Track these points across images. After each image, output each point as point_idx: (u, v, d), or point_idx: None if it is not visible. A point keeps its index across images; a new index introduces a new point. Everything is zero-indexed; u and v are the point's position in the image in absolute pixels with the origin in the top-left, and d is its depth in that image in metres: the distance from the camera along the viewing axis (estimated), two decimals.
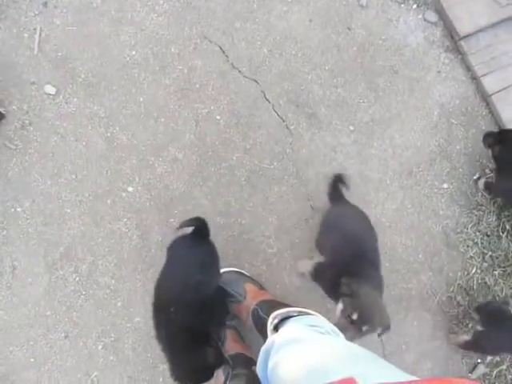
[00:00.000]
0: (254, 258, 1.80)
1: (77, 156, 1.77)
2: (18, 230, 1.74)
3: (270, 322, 1.19)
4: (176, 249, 1.49)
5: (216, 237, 1.78)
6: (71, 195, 1.76)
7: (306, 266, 1.67)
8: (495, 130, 1.90)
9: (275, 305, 1.46)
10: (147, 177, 1.79)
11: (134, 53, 1.80)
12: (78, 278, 1.75)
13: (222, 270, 1.71)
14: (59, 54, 1.77)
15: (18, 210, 1.75)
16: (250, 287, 1.67)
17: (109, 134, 1.78)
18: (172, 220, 1.78)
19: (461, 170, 1.93)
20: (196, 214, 1.77)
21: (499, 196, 1.88)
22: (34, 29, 1.76)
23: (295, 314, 1.21)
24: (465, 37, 1.91)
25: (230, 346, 1.64)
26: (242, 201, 1.82)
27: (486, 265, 1.91)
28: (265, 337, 1.18)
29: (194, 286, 1.40)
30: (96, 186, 1.77)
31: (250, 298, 1.64)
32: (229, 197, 1.81)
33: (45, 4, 1.73)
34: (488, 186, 1.88)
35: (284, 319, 1.21)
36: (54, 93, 1.77)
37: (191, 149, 1.81)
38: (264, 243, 1.81)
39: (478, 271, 1.90)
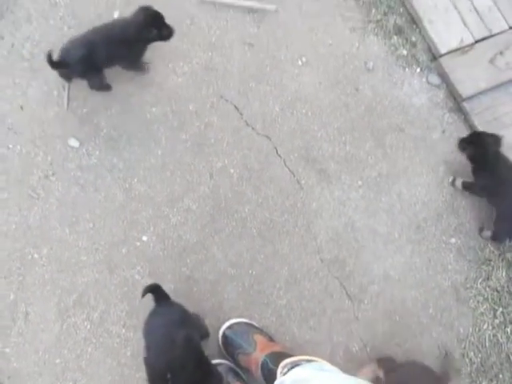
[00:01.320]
0: (263, 309, 1.81)
1: (95, 205, 1.84)
2: (34, 277, 1.78)
3: (280, 371, 1.20)
4: (148, 322, 1.56)
5: (226, 287, 1.82)
6: (88, 243, 1.82)
7: (369, 374, 1.70)
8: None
9: (284, 356, 1.46)
10: (162, 227, 1.85)
11: (154, 109, 1.92)
12: (89, 326, 1.76)
13: (231, 321, 1.74)
14: (85, 109, 1.90)
15: (36, 256, 1.80)
16: (259, 339, 1.67)
17: (127, 185, 1.86)
18: (184, 269, 1.81)
19: (468, 224, 1.96)
20: (208, 264, 1.83)
21: (478, 193, 1.94)
22: (63, 86, 1.89)
23: (303, 363, 1.22)
24: (467, 98, 2.01)
25: None
26: (254, 252, 1.86)
27: (497, 321, 1.90)
28: None
29: (178, 343, 1.43)
30: (112, 234, 1.83)
31: (260, 350, 1.63)
32: (240, 248, 1.86)
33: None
34: (466, 185, 1.95)
35: (293, 367, 1.22)
36: (77, 146, 1.87)
37: (205, 200, 1.88)
38: (274, 295, 1.83)
39: (490, 327, 1.89)
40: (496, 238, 1.92)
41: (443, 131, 2.03)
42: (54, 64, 1.69)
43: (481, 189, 1.91)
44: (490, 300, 1.90)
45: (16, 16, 1.93)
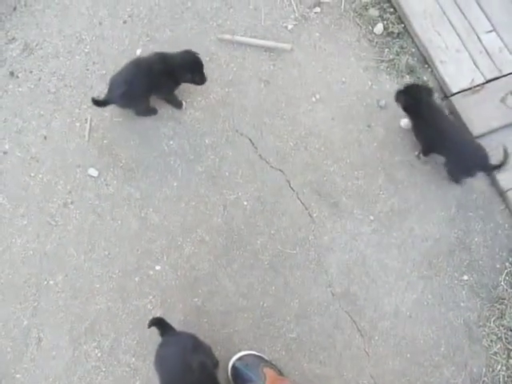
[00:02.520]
0: (273, 342, 1.81)
1: (111, 234, 1.89)
2: (49, 303, 1.82)
3: None
4: (160, 353, 1.56)
5: (237, 319, 1.82)
6: (102, 271, 1.85)
7: None
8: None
9: None
10: (175, 256, 1.88)
11: (171, 142, 1.99)
12: (99, 354, 1.78)
13: (241, 353, 1.73)
14: (105, 141, 1.97)
15: (51, 282, 1.84)
16: (269, 372, 1.67)
17: (142, 215, 1.91)
18: (196, 300, 1.83)
19: (480, 262, 1.95)
20: (219, 295, 1.84)
21: (421, 141, 2.02)
22: (86, 119, 1.98)
23: None
24: (478, 136, 2.03)
25: None
26: (265, 284, 1.87)
27: (511, 362, 1.86)
28: None
29: (195, 369, 1.45)
30: (126, 263, 1.86)
31: None
32: (252, 280, 1.87)
33: (98, 97, 1.95)
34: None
35: None
36: (96, 175, 1.94)
37: (218, 232, 1.91)
38: (284, 328, 1.83)
39: (504, 368, 1.85)
40: (453, 179, 2.01)
41: None
42: (99, 103, 1.84)
43: (420, 138, 2.00)
44: (503, 339, 1.87)
45: (45, 52, 2.04)
